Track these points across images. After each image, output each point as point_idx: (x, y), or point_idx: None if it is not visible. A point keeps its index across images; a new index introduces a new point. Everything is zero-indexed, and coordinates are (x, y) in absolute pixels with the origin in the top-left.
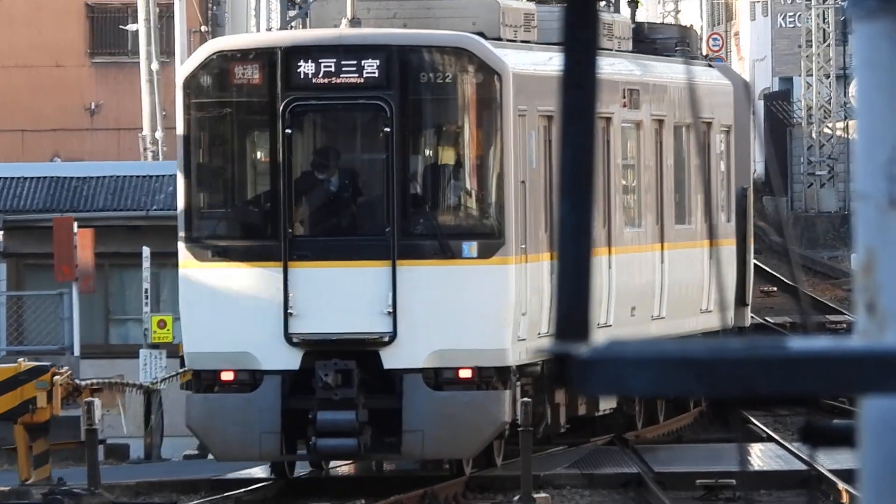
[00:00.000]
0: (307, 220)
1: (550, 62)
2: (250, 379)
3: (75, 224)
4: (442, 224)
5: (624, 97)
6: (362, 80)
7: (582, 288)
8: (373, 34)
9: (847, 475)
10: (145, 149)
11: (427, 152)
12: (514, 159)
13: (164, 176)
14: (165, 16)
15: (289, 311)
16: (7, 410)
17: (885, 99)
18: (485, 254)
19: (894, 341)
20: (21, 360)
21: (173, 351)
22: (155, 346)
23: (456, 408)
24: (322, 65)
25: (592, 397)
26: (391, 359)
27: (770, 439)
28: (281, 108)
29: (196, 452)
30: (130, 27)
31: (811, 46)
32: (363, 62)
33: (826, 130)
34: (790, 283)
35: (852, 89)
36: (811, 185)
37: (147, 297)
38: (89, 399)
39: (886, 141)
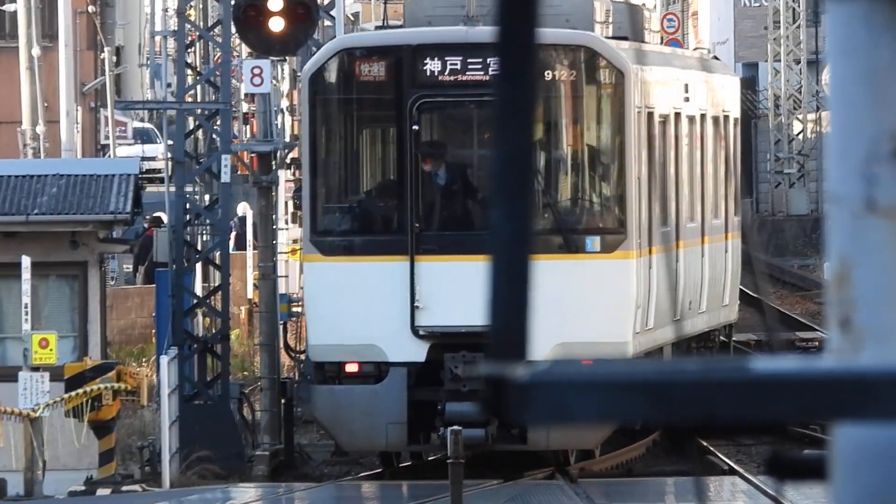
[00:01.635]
0: (433, 215)
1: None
2: (375, 371)
3: None
4: (566, 219)
5: (686, 92)
6: (488, 78)
7: (519, 301)
8: None
9: None
10: (25, 145)
11: (551, 149)
12: (635, 156)
13: (46, 176)
14: None
15: (415, 304)
16: None
17: (861, 88)
18: (607, 248)
19: (871, 361)
20: None
21: (57, 373)
22: (36, 369)
23: None
24: (448, 62)
25: (530, 427)
26: None
27: (732, 472)
28: (408, 104)
29: (83, 488)
30: (8, 7)
31: (779, 28)
32: (489, 60)
33: (796, 123)
34: (755, 295)
35: (825, 77)
36: (779, 185)
37: (27, 313)
38: None
39: (863, 136)
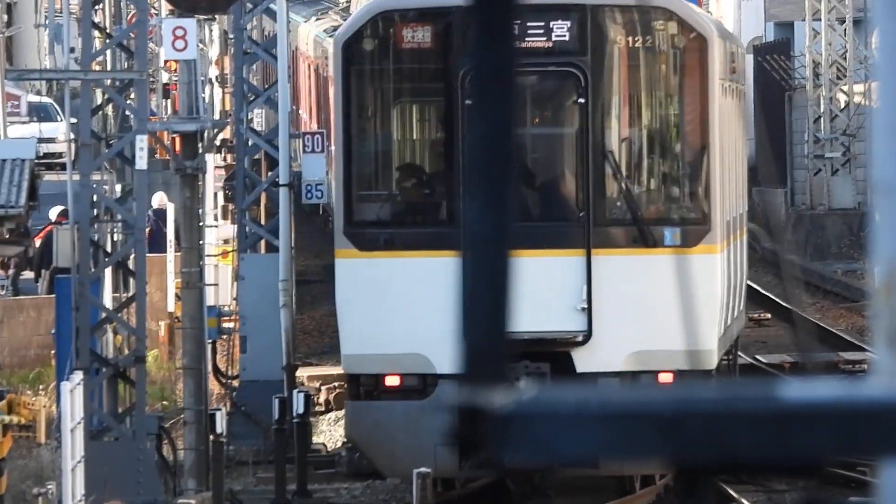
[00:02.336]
0: None
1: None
2: (419, 384)
3: None
4: (642, 208)
5: (733, 61)
6: (551, 45)
7: (496, 314)
8: None
9: None
10: None
11: (625, 126)
12: (721, 135)
13: None
14: None
15: None
16: None
17: None
18: (689, 241)
19: None
20: None
21: None
22: None
23: None
24: None
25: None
26: (585, 361)
27: None
28: (459, 75)
29: None
30: None
31: None
32: (552, 24)
33: (840, 96)
34: (788, 306)
35: (874, 39)
36: (819, 172)
37: None
38: None
39: None
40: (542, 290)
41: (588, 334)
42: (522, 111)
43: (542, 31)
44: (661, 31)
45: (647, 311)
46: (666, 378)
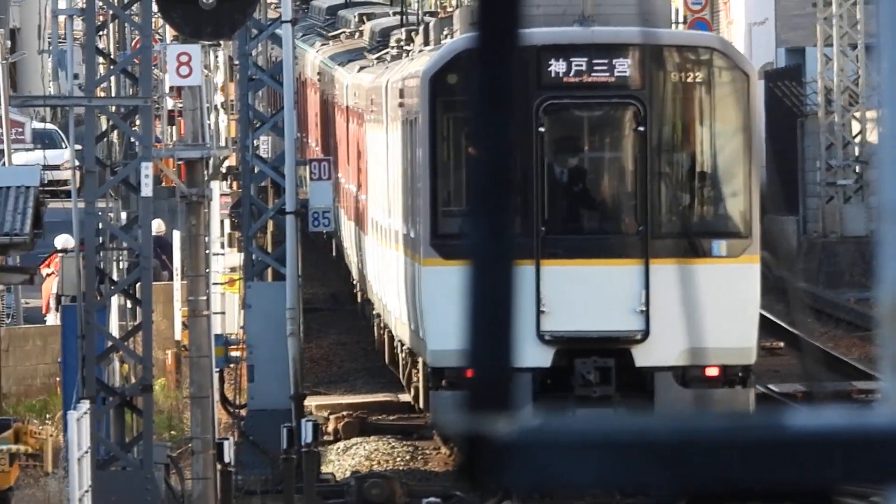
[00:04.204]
0: (559, 219)
1: None
2: None
3: None
4: (692, 223)
5: None
6: (613, 79)
7: (502, 339)
8: (627, 32)
9: None
10: None
11: (678, 152)
12: (758, 158)
13: None
14: None
15: (541, 308)
16: None
17: None
18: (734, 253)
19: None
20: None
21: None
22: None
23: (706, 405)
24: (573, 63)
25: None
26: (643, 356)
27: None
28: (534, 106)
29: None
30: None
31: (830, 5)
32: (615, 61)
33: (853, 122)
34: (798, 333)
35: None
36: (831, 200)
37: None
38: None
39: None
40: (607, 295)
41: (646, 333)
42: (589, 138)
43: (605, 68)
44: (711, 67)
45: (697, 313)
46: (712, 372)
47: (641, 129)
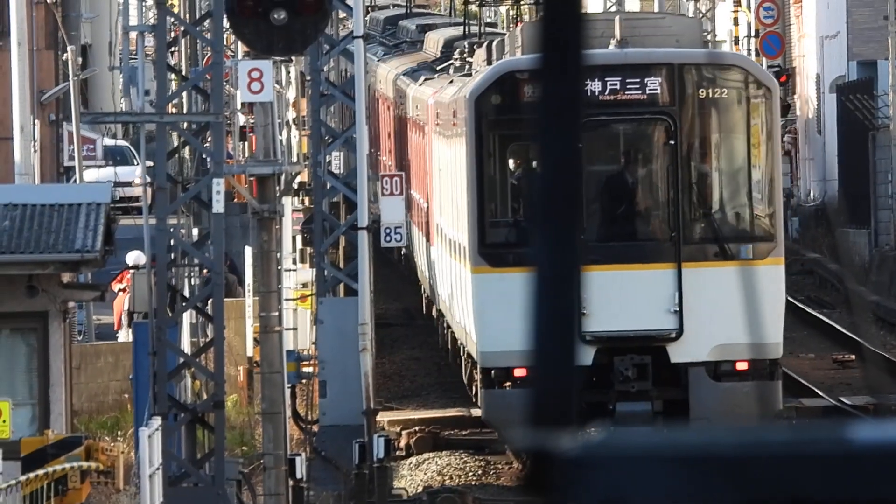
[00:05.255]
0: (598, 227)
1: None
2: None
3: None
4: (721, 229)
5: None
6: (645, 97)
7: (565, 356)
8: (656, 53)
9: None
10: None
11: (706, 163)
12: (780, 167)
13: None
14: None
15: (582, 311)
16: None
17: None
18: (760, 255)
19: None
20: None
21: (12, 450)
22: None
23: (737, 398)
24: (608, 82)
25: None
26: (677, 353)
27: None
28: None
29: None
30: None
31: None
32: (646, 80)
33: None
34: (869, 346)
35: None
36: None
37: None
38: None
39: None
40: (642, 297)
41: (679, 331)
42: (624, 152)
43: (637, 86)
44: (737, 84)
45: (727, 312)
46: (742, 366)
47: (672, 142)
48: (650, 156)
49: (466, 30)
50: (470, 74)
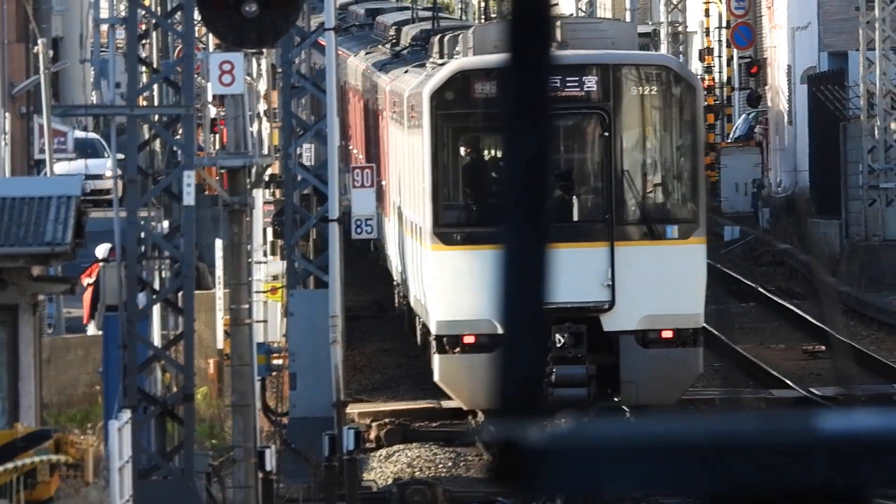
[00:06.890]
0: None
1: None
2: (489, 342)
3: None
4: (650, 211)
5: None
6: (583, 94)
7: (534, 348)
8: (592, 55)
9: None
10: None
11: (637, 153)
12: (703, 156)
13: None
14: None
15: None
16: None
17: None
18: (684, 235)
19: None
20: None
21: None
22: None
23: (663, 363)
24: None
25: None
26: (610, 323)
27: None
28: None
29: None
30: None
31: (873, 9)
32: (584, 78)
33: (895, 126)
34: (836, 335)
35: None
36: (874, 203)
37: None
38: None
39: None
40: (579, 272)
41: (612, 303)
42: (563, 142)
43: (576, 84)
44: (664, 82)
45: (653, 286)
46: (668, 335)
47: (606, 134)
48: (587, 146)
49: (436, 24)
50: (424, 65)
